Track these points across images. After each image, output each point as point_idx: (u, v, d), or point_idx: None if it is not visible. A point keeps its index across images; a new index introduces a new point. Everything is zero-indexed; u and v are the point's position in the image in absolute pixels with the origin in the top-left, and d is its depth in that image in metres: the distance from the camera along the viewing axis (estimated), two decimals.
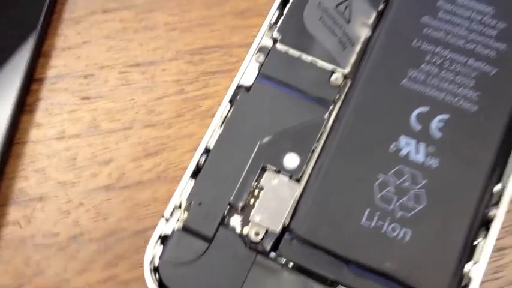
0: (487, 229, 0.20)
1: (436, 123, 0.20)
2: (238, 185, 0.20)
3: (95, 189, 0.21)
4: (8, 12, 0.24)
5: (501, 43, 0.21)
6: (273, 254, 0.19)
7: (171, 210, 0.19)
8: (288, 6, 0.22)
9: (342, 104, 0.21)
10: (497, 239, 0.19)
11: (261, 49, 0.21)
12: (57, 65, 0.23)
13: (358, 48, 0.21)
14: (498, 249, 0.21)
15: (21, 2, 0.24)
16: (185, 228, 0.19)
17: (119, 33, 0.23)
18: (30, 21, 0.23)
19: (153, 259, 0.19)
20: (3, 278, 0.20)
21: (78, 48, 0.24)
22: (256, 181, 0.20)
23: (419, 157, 0.20)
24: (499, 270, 0.21)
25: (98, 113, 0.22)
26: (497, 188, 0.20)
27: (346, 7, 0.21)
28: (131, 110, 0.22)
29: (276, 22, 0.22)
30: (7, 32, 0.23)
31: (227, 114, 0.20)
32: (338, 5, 0.21)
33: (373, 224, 0.19)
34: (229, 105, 0.21)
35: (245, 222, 0.20)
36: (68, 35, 0.24)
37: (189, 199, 0.20)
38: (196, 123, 0.22)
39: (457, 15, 0.21)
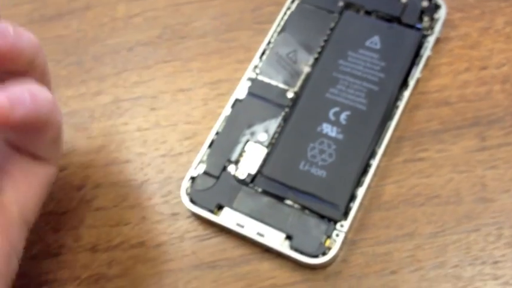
0: (368, 171, 0.32)
1: (343, 116, 0.33)
2: (233, 150, 0.34)
3: (157, 156, 0.35)
4: None
5: (381, 73, 0.34)
6: (251, 185, 0.32)
7: (197, 163, 0.33)
8: (264, 56, 0.37)
9: (292, 107, 0.34)
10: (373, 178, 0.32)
11: (249, 79, 0.35)
12: (137, 91, 0.38)
13: (302, 77, 0.35)
14: (377, 185, 0.34)
15: None
16: (204, 172, 0.33)
17: (172, 74, 0.38)
18: None
19: (187, 189, 0.33)
20: (124, 175, 0.35)
21: (149, 82, 0.38)
22: (243, 148, 0.34)
23: (333, 134, 0.33)
24: (376, 195, 0.33)
25: (159, 117, 0.36)
26: (376, 149, 0.33)
27: (294, 55, 0.36)
28: (178, 115, 0.36)
29: (257, 65, 0.36)
30: None
31: (229, 114, 0.35)
32: (288, 53, 0.36)
33: (305, 169, 0.32)
34: (230, 109, 0.35)
35: (237, 168, 0.33)
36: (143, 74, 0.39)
37: (207, 157, 0.33)
38: (214, 120, 0.35)
39: (358, 59, 0.35)
